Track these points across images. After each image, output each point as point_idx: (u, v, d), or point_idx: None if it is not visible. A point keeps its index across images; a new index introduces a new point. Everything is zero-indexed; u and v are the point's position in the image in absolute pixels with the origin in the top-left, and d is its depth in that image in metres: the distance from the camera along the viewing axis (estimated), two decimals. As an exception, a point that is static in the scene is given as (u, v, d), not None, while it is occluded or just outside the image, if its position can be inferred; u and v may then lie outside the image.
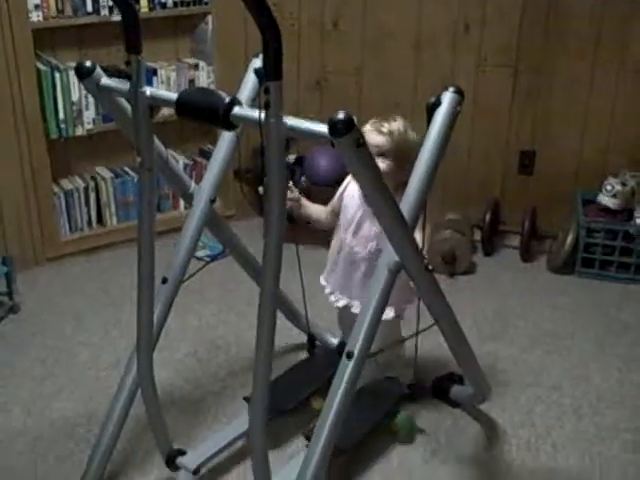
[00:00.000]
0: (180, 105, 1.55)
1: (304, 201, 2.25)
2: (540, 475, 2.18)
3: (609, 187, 3.23)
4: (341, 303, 2.27)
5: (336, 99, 3.62)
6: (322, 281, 2.33)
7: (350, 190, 2.21)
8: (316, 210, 2.27)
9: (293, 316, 2.59)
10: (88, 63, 1.69)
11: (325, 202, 3.43)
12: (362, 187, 1.53)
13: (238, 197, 3.66)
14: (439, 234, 3.30)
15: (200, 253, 3.36)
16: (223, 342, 2.78)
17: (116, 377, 2.48)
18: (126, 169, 3.45)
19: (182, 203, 3.58)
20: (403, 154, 2.04)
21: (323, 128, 1.38)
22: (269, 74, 1.35)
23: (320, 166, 3.48)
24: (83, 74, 1.69)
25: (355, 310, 2.18)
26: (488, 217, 3.41)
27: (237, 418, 2.25)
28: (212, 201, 2.11)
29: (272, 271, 1.51)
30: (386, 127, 2.05)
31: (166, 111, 3.20)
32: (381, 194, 1.52)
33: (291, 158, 3.64)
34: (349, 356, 1.71)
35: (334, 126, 1.35)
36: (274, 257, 1.50)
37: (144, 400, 1.95)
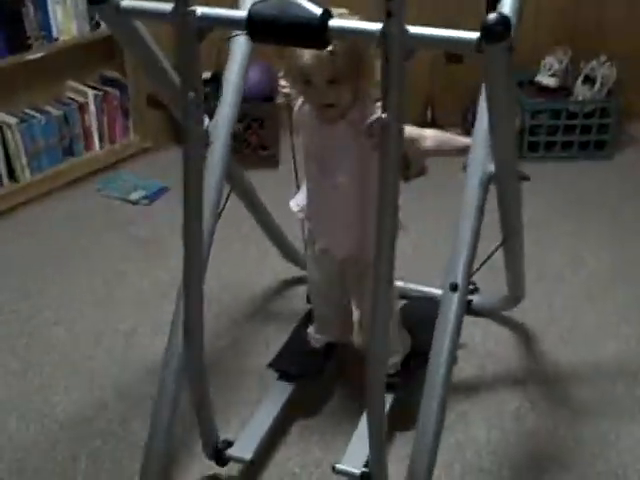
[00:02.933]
0: (255, 24, 1.24)
1: None
2: (587, 367, 2.16)
3: (548, 66, 3.19)
4: (316, 247, 1.87)
5: None
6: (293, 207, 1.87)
7: (304, 110, 1.71)
8: None
9: (291, 254, 2.37)
10: (104, -19, 1.31)
11: (252, 120, 3.18)
12: (493, 94, 1.31)
13: (154, 126, 3.29)
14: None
15: (134, 196, 2.99)
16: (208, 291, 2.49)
17: (111, 354, 2.20)
18: (28, 111, 2.95)
19: (97, 142, 3.15)
20: (358, 62, 1.55)
21: (464, 35, 1.15)
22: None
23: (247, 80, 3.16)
24: None
25: (336, 254, 1.82)
26: (430, 115, 3.28)
27: (267, 392, 1.96)
28: (233, 136, 1.77)
29: (390, 205, 1.26)
30: None
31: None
32: (509, 100, 1.32)
33: (207, 75, 3.28)
34: (454, 288, 1.54)
35: (490, 31, 1.11)
36: (391, 187, 1.24)
37: (189, 379, 1.64)
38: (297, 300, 2.38)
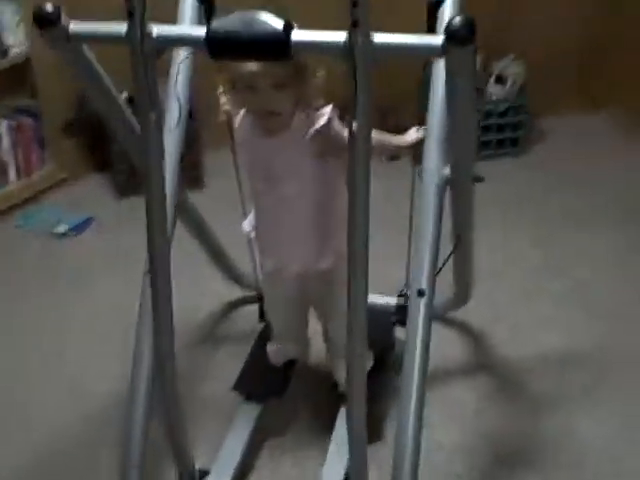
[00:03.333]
0: (215, 43, 1.20)
1: None
2: (536, 361, 2.22)
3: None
4: (269, 266, 1.82)
5: None
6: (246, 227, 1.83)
7: (246, 124, 1.67)
8: None
9: (236, 274, 2.32)
10: (49, 7, 1.23)
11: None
12: (455, 97, 1.31)
13: (71, 156, 3.18)
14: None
15: (60, 229, 2.87)
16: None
17: (52, 399, 2.10)
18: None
19: (12, 175, 3.00)
20: (298, 65, 1.51)
21: (430, 40, 1.16)
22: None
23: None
24: (45, 23, 1.24)
25: (291, 270, 1.76)
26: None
27: (235, 415, 1.91)
28: (182, 159, 1.70)
29: (362, 211, 1.23)
30: None
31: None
32: (471, 103, 1.33)
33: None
34: (421, 294, 1.54)
35: (454, 34, 1.12)
36: (362, 194, 1.22)
37: (162, 403, 1.52)
38: (243, 322, 2.35)
